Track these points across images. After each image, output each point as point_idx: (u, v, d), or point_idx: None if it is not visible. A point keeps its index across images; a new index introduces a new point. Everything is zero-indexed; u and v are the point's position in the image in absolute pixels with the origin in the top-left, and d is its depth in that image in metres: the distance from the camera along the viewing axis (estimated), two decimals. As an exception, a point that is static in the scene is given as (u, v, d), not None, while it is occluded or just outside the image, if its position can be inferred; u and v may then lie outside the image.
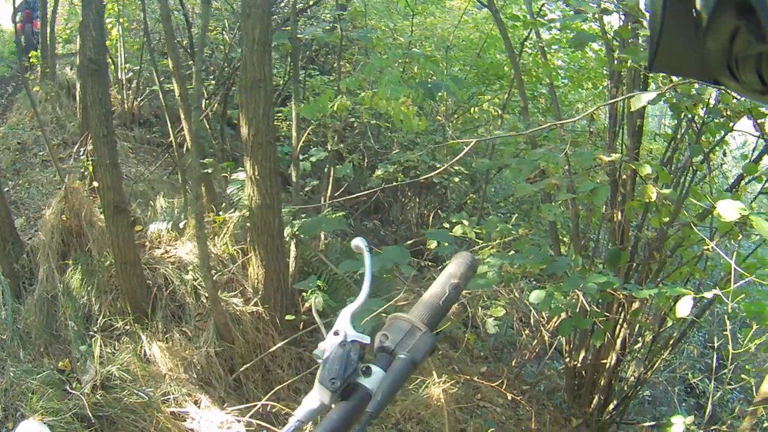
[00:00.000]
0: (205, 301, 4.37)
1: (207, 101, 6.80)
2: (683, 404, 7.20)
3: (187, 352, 4.20)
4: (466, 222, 3.77)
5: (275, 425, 3.58)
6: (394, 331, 1.09)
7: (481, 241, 4.28)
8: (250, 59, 4.02)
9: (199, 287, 4.51)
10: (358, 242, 1.32)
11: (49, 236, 4.68)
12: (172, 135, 5.31)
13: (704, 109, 4.46)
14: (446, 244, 3.58)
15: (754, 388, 4.14)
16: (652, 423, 5.92)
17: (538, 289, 3.45)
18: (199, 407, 3.72)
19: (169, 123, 5.39)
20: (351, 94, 4.73)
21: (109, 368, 3.78)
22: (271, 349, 4.21)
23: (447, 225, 4.37)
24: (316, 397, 1.03)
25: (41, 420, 3.33)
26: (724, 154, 6.15)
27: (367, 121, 5.30)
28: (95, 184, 4.74)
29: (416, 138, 6.85)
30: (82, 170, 5.31)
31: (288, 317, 4.19)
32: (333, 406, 1.03)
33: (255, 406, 3.54)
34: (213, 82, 7.48)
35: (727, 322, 3.96)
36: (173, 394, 3.78)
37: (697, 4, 0.51)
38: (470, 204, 7.56)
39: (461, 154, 3.16)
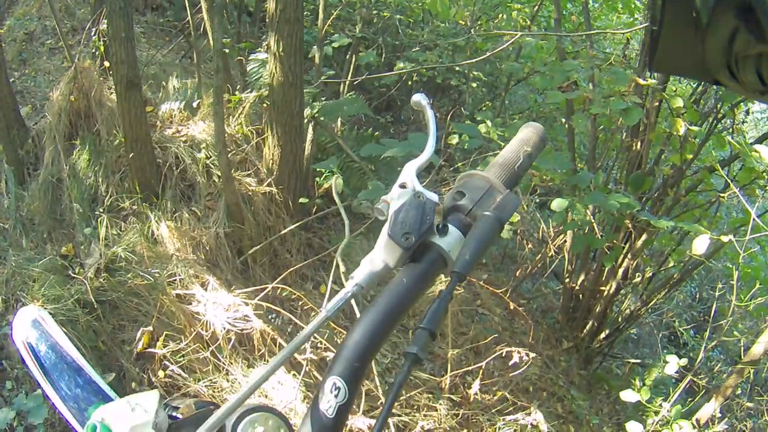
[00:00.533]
0: (216, 180, 4.33)
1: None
2: (665, 350, 7.31)
3: (195, 232, 4.16)
4: (489, 122, 3.69)
5: (282, 309, 3.55)
6: (471, 189, 0.99)
7: (503, 144, 4.21)
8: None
9: (212, 166, 4.46)
10: (419, 98, 1.21)
11: (56, 118, 4.57)
12: (189, 15, 5.12)
13: None
14: (468, 138, 3.48)
15: (742, 350, 4.17)
16: (638, 361, 6.01)
17: (547, 203, 3.42)
18: (206, 290, 3.67)
19: (187, 4, 5.18)
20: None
21: (114, 250, 3.71)
22: (281, 232, 4.15)
23: (469, 122, 4.28)
24: (379, 257, 0.92)
25: (41, 307, 3.28)
26: (747, 113, 6.12)
27: (391, 14, 5.13)
28: (106, 64, 4.68)
29: (437, 39, 6.67)
30: (93, 50, 5.14)
31: (302, 200, 4.14)
32: (399, 269, 0.92)
33: (264, 289, 3.50)
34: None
35: (734, 271, 3.94)
36: (180, 275, 3.71)
37: (697, 4, 0.50)
38: (486, 112, 7.44)
39: (490, 53, 3.05)
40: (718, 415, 4.73)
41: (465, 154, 4.76)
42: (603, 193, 3.51)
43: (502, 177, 1.02)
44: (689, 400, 5.52)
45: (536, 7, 6.57)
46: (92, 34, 5.11)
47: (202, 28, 5.03)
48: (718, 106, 4.93)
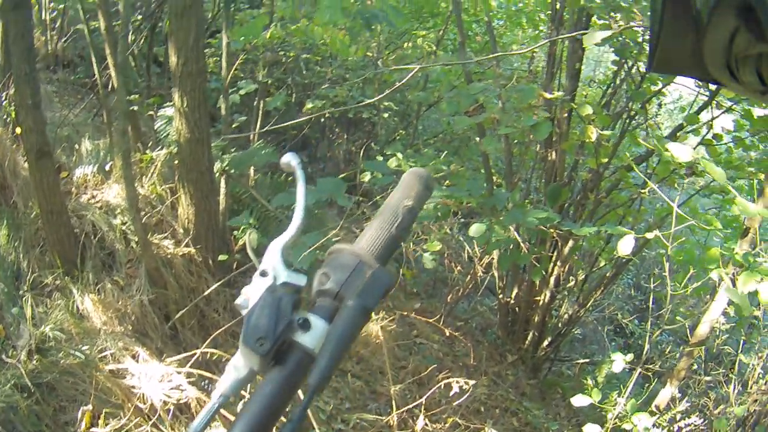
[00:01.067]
0: (135, 246, 4.22)
1: (133, 37, 6.48)
2: (613, 343, 7.40)
3: (120, 302, 4.05)
4: (400, 155, 3.67)
5: (216, 373, 3.48)
6: (337, 269, 0.87)
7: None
8: (181, -17, 3.79)
9: (128, 231, 4.37)
10: (289, 158, 1.10)
11: (-31, 190, 4.39)
12: (97, 73, 5.01)
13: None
14: (381, 175, 3.46)
15: (688, 331, 4.22)
16: (587, 360, 6.05)
17: (470, 224, 3.42)
18: (137, 361, 3.57)
19: (94, 62, 5.07)
20: (283, 26, 4.56)
21: (42, 329, 3.58)
22: (205, 293, 4.06)
23: (380, 158, 4.25)
24: (242, 362, 0.83)
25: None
26: (660, 106, 6.26)
27: (297, 54, 5.11)
28: (18, 130, 4.46)
29: (345, 74, 6.67)
30: (5, 116, 4.97)
31: (221, 257, 4.05)
32: (264, 374, 0.82)
33: (194, 354, 3.41)
34: (140, 17, 7.11)
35: (666, 264, 3.99)
36: (110, 349, 3.60)
37: (697, 4, 0.50)
38: (399, 141, 7.45)
39: (399, 84, 3.06)
40: (678, 394, 4.79)
41: (383, 189, 4.74)
42: (522, 210, 3.52)
43: (375, 247, 0.92)
44: (647, 385, 5.63)
45: (441, 31, 6.62)
46: (1, 99, 4.95)
47: (110, 86, 4.92)
48: (630, 105, 5.05)
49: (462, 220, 4.79)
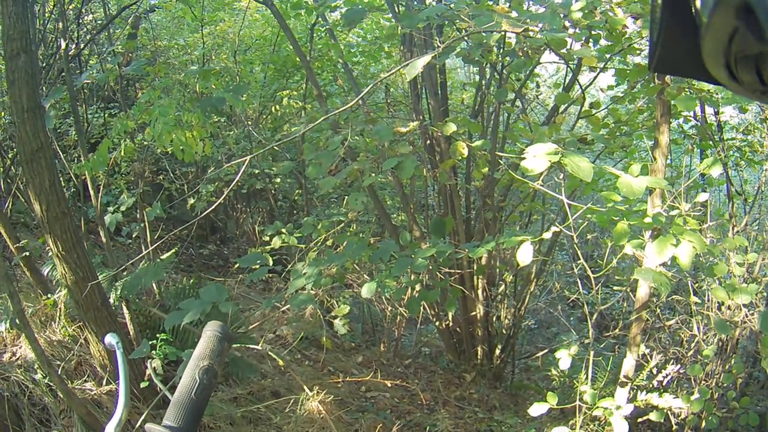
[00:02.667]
0: (62, 396, 4.09)
1: (15, 171, 6.35)
2: (571, 318, 7.40)
3: (64, 456, 3.94)
4: (284, 230, 3.64)
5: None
6: None
7: (304, 246, 4.18)
8: (24, 129, 3.72)
9: (52, 384, 4.22)
10: (109, 339, 1.20)
11: None
12: (-26, 225, 4.86)
13: (500, 53, 4.49)
14: (255, 267, 3.42)
15: (630, 295, 4.22)
16: (545, 351, 6.06)
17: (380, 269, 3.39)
18: None
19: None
20: (143, 128, 4.50)
21: None
22: (138, 423, 3.97)
23: (267, 237, 4.22)
24: None
25: None
26: (537, 86, 6.31)
27: (166, 151, 5.05)
28: None
29: (230, 150, 6.64)
30: None
31: (142, 385, 3.96)
32: None
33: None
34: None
35: (578, 252, 4.00)
36: None
37: (697, 5, 0.51)
38: (300, 200, 7.43)
39: (242, 168, 3.00)
40: (646, 350, 4.79)
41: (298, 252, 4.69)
42: (413, 250, 3.50)
43: (178, 418, 1.02)
44: (617, 348, 5.62)
45: (305, 85, 6.62)
46: None
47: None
48: (500, 105, 5.06)
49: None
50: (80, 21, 6.13)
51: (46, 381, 4.27)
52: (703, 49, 0.52)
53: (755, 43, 0.47)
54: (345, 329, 3.72)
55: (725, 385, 4.17)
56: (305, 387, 3.82)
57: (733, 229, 4.68)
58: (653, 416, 3.69)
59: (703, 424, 3.90)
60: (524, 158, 2.90)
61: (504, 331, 5.58)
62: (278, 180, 6.76)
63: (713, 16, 0.48)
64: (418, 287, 4.29)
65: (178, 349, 3.80)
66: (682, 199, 3.44)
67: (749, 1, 0.45)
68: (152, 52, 7.98)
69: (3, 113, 7.32)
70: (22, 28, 3.48)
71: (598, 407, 3.43)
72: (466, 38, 3.87)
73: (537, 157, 2.78)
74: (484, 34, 3.78)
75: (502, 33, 3.95)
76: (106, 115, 6.58)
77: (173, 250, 5.11)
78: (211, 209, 3.75)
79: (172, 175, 5.63)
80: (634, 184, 2.93)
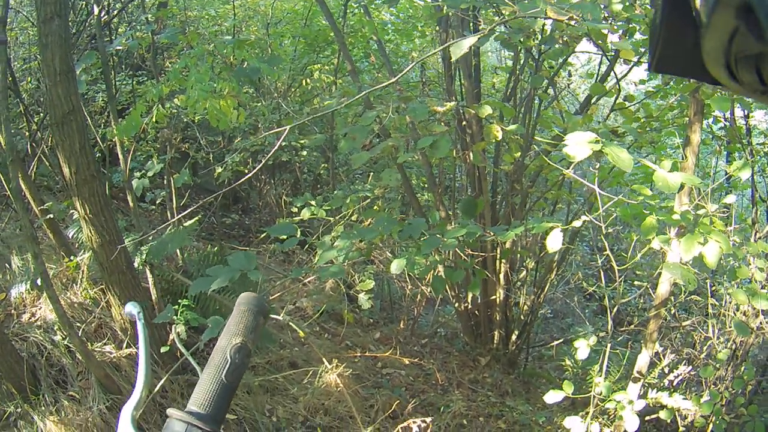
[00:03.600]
0: (81, 358, 4.10)
1: (41, 135, 6.34)
2: (586, 310, 7.38)
3: (80, 416, 3.95)
4: (313, 202, 3.61)
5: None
6: None
7: (332, 219, 4.15)
8: (55, 92, 3.71)
9: (71, 345, 4.23)
10: (130, 308, 1.09)
11: None
12: (5, 186, 4.88)
13: (538, 40, 4.43)
14: (285, 237, 3.38)
15: (650, 291, 4.18)
16: (560, 340, 6.03)
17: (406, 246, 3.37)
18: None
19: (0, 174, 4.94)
20: (175, 94, 4.47)
21: None
22: (157, 386, 3.97)
23: (295, 209, 4.19)
24: None
25: None
26: (570, 75, 6.24)
27: (196, 118, 5.01)
28: None
29: (256, 121, 6.61)
30: None
31: (162, 349, 3.96)
32: None
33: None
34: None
35: (606, 243, 3.96)
36: None
37: (697, 4, 0.50)
38: (325, 174, 7.40)
39: (278, 142, 2.98)
40: (660, 349, 4.76)
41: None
42: (441, 230, 3.47)
43: (205, 404, 0.92)
44: (630, 344, 5.60)
45: (337, 60, 6.58)
46: None
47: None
48: (533, 91, 5.01)
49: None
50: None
51: (65, 342, 4.29)
52: (703, 49, 0.52)
53: (755, 43, 0.46)
54: (369, 304, 3.70)
55: (735, 390, 4.15)
56: (324, 359, 3.80)
57: (755, 234, 4.63)
58: (663, 414, 3.67)
59: (710, 428, 3.88)
60: (558, 144, 2.88)
61: (522, 318, 5.55)
62: (304, 153, 6.73)
63: (713, 16, 0.48)
64: (441, 267, 4.26)
65: (200, 316, 3.79)
66: (708, 200, 3.41)
67: (749, 1, 0.44)
68: (182, 22, 7.94)
69: (30, 78, 7.34)
70: (56, -8, 3.47)
71: (611, 400, 3.41)
72: (506, 22, 3.81)
73: (579, 144, 2.73)
74: (527, 19, 3.73)
75: (545, 19, 3.90)
76: (134, 83, 6.57)
77: (196, 218, 5.09)
78: (240, 182, 3.74)
79: (200, 143, 5.60)
80: (670, 179, 2.90)
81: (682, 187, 3.39)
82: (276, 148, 3.00)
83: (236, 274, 3.11)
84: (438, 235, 3.33)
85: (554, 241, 3.08)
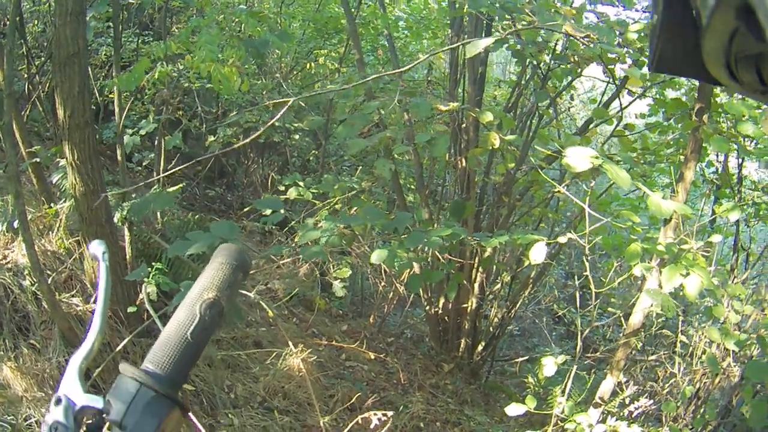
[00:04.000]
0: (47, 306, 4.04)
1: (39, 80, 6.26)
2: (553, 333, 7.41)
3: (38, 365, 3.92)
4: (301, 183, 3.58)
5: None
6: (119, 396, 0.81)
7: (318, 203, 4.13)
8: (63, 32, 3.67)
9: (39, 292, 4.17)
10: (93, 249, 0.99)
11: None
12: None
13: (549, 55, 4.45)
14: (272, 212, 3.37)
15: (622, 319, 4.21)
16: (525, 358, 6.04)
17: (386, 243, 3.36)
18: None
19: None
20: (180, 57, 4.42)
21: None
22: (119, 346, 3.91)
23: (282, 187, 4.16)
24: None
25: None
26: (572, 99, 6.28)
27: (195, 84, 4.96)
28: None
29: (254, 98, 6.58)
30: None
31: (130, 309, 3.92)
32: None
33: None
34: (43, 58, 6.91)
35: (586, 263, 3.96)
36: (34, 417, 3.49)
37: (697, 5, 0.50)
38: (313, 161, 7.37)
39: (278, 115, 2.97)
40: (623, 379, 4.77)
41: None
42: (426, 228, 3.47)
43: (164, 364, 0.83)
44: (593, 371, 5.62)
45: (344, 49, 6.58)
46: None
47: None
48: (536, 105, 5.02)
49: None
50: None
51: (33, 289, 4.23)
52: (703, 49, 0.52)
53: (755, 43, 0.46)
54: (343, 292, 3.68)
55: (695, 429, 4.18)
56: (290, 342, 3.77)
57: (733, 281, 4.68)
58: None
59: None
60: (552, 162, 2.91)
61: (490, 330, 5.56)
62: (297, 137, 6.71)
63: (713, 16, 0.47)
64: (417, 267, 4.25)
65: (173, 282, 3.74)
66: (693, 238, 3.45)
67: (749, 1, 0.44)
68: (195, -11, 7.90)
69: (36, 22, 7.25)
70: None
71: (572, 420, 3.42)
72: (519, 33, 3.82)
73: (580, 157, 2.76)
74: (542, 32, 3.74)
75: (559, 35, 3.91)
76: (139, 42, 6.51)
77: (180, 185, 5.05)
78: (230, 149, 3.71)
79: (195, 112, 5.56)
80: (663, 206, 2.98)
81: (669, 219, 3.44)
82: (275, 120, 2.97)
83: (215, 241, 3.08)
84: (422, 233, 3.33)
85: (538, 254, 3.13)
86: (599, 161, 2.71)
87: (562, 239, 3.46)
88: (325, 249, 3.17)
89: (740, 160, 5.42)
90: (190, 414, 0.80)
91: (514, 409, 3.38)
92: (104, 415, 0.80)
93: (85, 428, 0.78)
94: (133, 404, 0.79)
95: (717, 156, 5.48)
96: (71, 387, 0.81)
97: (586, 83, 7.65)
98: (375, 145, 3.84)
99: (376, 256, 3.21)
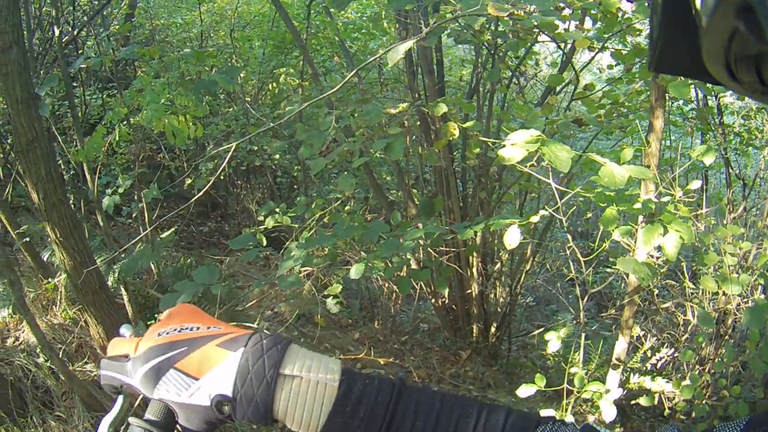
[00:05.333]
0: (64, 378, 4.24)
1: (14, 157, 6.44)
2: (570, 296, 7.46)
3: (67, 438, 4.09)
4: (277, 210, 3.73)
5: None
6: None
7: (296, 226, 4.27)
8: (18, 121, 3.81)
9: (54, 367, 4.38)
10: (123, 331, 1.16)
11: None
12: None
13: (492, 33, 4.49)
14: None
15: (624, 277, 4.22)
16: (541, 329, 6.12)
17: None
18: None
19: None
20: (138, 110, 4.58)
21: None
22: (137, 400, 4.10)
23: (262, 217, 4.31)
24: None
25: None
26: (537, 64, 6.30)
27: (159, 133, 5.10)
28: None
29: (228, 127, 6.73)
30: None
31: (136, 365, 4.09)
32: None
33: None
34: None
35: (570, 238, 3.99)
36: None
37: (697, 5, 0.51)
38: (300, 177, 7.50)
39: (229, 153, 3.12)
40: (640, 332, 4.84)
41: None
42: (402, 231, 3.56)
43: (158, 413, 0.99)
44: (614, 328, 5.69)
45: (302, 64, 6.67)
46: None
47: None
48: (493, 86, 5.09)
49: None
50: (76, 3, 6.18)
51: (48, 364, 4.42)
52: (703, 49, 0.52)
53: (755, 43, 0.47)
54: (336, 308, 3.81)
55: (716, 373, 4.21)
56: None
57: (730, 214, 4.68)
58: (642, 401, 3.71)
59: (694, 412, 3.94)
60: (504, 145, 2.90)
61: (499, 309, 5.67)
62: (277, 157, 6.85)
63: (713, 16, 0.48)
64: (409, 266, 4.37)
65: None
66: (677, 185, 3.41)
67: (749, 1, 0.45)
68: (150, 31, 8.04)
69: (2, 99, 7.43)
70: (13, 21, 3.54)
71: (586, 391, 3.41)
72: (456, 20, 3.90)
73: (515, 146, 2.78)
74: (466, 18, 3.82)
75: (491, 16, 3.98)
76: (104, 96, 6.67)
77: (172, 229, 5.22)
78: (206, 188, 3.84)
79: (170, 154, 5.71)
80: (617, 173, 2.81)
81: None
82: (225, 162, 3.12)
83: (200, 288, 3.25)
84: (398, 237, 3.44)
85: (512, 238, 3.06)
86: (535, 146, 2.75)
87: (534, 219, 3.44)
88: (313, 269, 3.29)
89: (715, 94, 5.41)
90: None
91: (524, 391, 3.39)
92: None
93: None
94: None
95: (696, 92, 5.49)
96: None
97: (551, 45, 7.67)
98: (336, 160, 3.95)
99: (354, 272, 3.32)
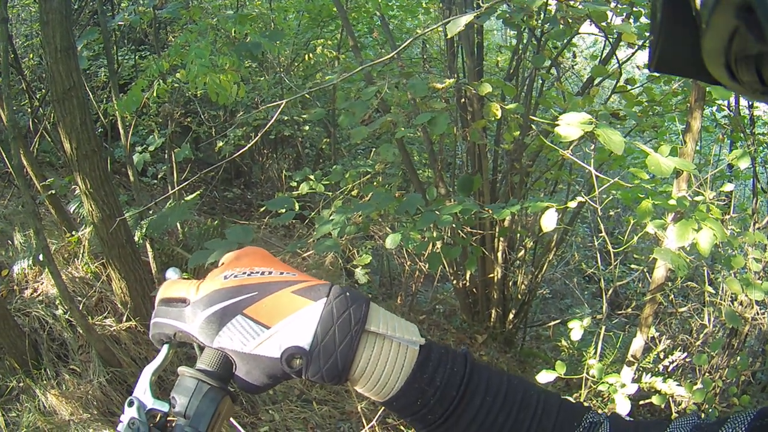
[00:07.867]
0: (82, 331, 4.18)
1: (42, 112, 6.37)
2: (585, 293, 7.41)
3: (80, 389, 4.05)
4: (311, 177, 3.64)
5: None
6: (181, 392, 0.89)
7: (330, 194, 4.19)
8: (56, 69, 3.75)
9: (72, 319, 4.32)
10: (170, 273, 1.09)
11: None
12: (8, 164, 4.93)
13: (540, 19, 4.42)
14: (286, 210, 3.43)
15: (647, 275, 4.19)
16: (557, 321, 6.06)
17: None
18: (112, 445, 3.58)
19: (2, 151, 4.98)
20: (177, 69, 4.49)
21: None
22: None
23: (295, 183, 4.23)
24: None
25: None
26: (574, 56, 6.21)
27: (196, 93, 5.01)
28: None
29: (259, 95, 6.64)
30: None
31: (160, 322, 4.02)
32: None
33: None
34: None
35: (601, 225, 3.95)
36: None
37: (697, 5, 0.50)
38: (327, 149, 7.42)
39: (277, 112, 3.04)
40: (656, 333, 4.76)
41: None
42: (438, 205, 3.50)
43: (212, 363, 0.91)
44: (627, 327, 5.62)
45: (340, 36, 6.58)
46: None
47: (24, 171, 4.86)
48: (536, 70, 5.00)
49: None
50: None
51: (66, 317, 4.36)
52: (703, 49, 0.52)
53: (755, 43, 0.46)
54: (366, 278, 3.74)
55: (728, 380, 4.17)
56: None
57: (754, 225, 4.64)
58: (655, 400, 3.68)
59: (703, 416, 3.87)
60: (557, 125, 2.87)
61: (519, 297, 5.59)
62: (306, 128, 6.76)
63: (713, 16, 0.47)
64: (439, 243, 4.30)
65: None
66: (707, 187, 3.41)
67: (749, 1, 0.44)
68: (187, -5, 7.94)
69: (32, 55, 7.36)
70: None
71: (603, 382, 3.40)
72: (507, 1, 3.82)
73: (571, 125, 2.75)
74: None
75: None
76: (136, 58, 6.58)
77: (197, 192, 5.14)
78: (239, 153, 3.77)
79: (200, 118, 5.63)
80: (663, 163, 2.90)
81: (680, 173, 3.40)
82: (273, 120, 3.03)
83: (233, 247, 3.16)
84: (434, 211, 3.37)
85: (549, 221, 3.08)
86: (590, 126, 2.70)
87: (572, 204, 3.45)
88: (344, 239, 3.22)
89: (750, 103, 5.34)
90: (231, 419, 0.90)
91: (544, 377, 3.39)
92: (170, 412, 0.89)
93: (153, 424, 0.86)
94: (194, 396, 0.88)
95: (728, 100, 5.42)
96: (142, 392, 0.89)
97: (588, 39, 7.58)
98: (378, 130, 3.87)
99: (390, 241, 3.26)
